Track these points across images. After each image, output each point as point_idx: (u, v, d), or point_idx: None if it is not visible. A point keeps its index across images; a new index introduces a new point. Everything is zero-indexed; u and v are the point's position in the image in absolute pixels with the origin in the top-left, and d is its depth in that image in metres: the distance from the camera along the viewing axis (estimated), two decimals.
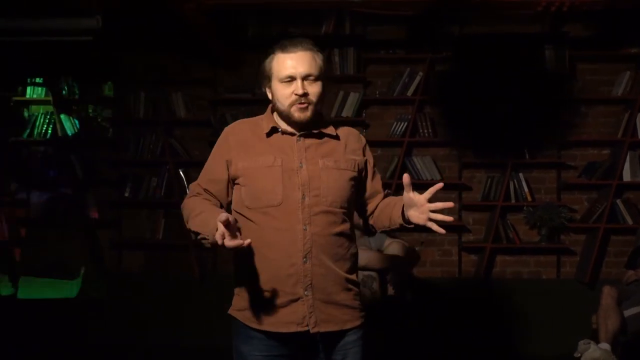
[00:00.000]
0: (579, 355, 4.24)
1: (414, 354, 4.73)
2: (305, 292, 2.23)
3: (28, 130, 5.99)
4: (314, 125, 2.33)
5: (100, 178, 6.00)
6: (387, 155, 5.74)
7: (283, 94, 2.27)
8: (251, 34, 5.72)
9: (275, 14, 5.63)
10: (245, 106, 5.80)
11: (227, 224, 2.01)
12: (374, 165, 2.46)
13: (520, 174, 5.62)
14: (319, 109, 2.32)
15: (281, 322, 2.23)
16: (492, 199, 5.61)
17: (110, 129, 6.06)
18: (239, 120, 2.46)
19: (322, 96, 2.30)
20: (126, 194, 5.86)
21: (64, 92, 6.00)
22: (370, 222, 2.48)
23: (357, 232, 4.45)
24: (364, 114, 5.79)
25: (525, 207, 5.57)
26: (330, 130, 2.36)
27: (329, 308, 2.26)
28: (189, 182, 6.11)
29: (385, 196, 2.46)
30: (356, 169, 2.35)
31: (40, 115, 6.00)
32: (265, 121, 2.37)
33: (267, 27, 5.68)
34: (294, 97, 2.25)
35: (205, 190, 2.35)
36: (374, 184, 2.44)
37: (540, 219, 5.48)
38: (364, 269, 3.71)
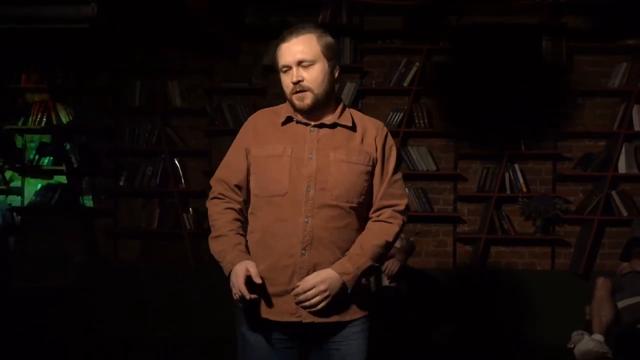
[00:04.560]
0: (573, 346, 4.25)
1: (408, 344, 4.75)
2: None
3: (23, 119, 5.96)
4: (326, 113, 2.30)
5: (95, 167, 5.99)
6: None
7: (284, 83, 2.28)
8: (248, 22, 5.69)
9: (273, 3, 5.61)
10: (241, 95, 5.79)
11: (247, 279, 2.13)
12: (394, 167, 2.34)
13: (516, 165, 5.63)
14: (323, 94, 2.26)
15: (277, 311, 2.22)
16: (487, 190, 5.62)
17: (106, 118, 6.02)
18: (261, 109, 2.43)
19: (321, 80, 2.24)
20: (121, 183, 5.86)
21: (59, 80, 5.96)
22: None
23: None
24: (360, 104, 5.78)
25: (520, 199, 5.58)
26: (345, 120, 2.30)
27: None
28: (184, 172, 6.09)
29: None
30: (370, 163, 2.29)
31: (35, 103, 5.96)
32: (284, 110, 2.35)
33: (264, 16, 5.66)
34: (291, 86, 2.24)
35: (233, 186, 2.32)
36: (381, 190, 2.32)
37: (535, 210, 5.49)
38: None
